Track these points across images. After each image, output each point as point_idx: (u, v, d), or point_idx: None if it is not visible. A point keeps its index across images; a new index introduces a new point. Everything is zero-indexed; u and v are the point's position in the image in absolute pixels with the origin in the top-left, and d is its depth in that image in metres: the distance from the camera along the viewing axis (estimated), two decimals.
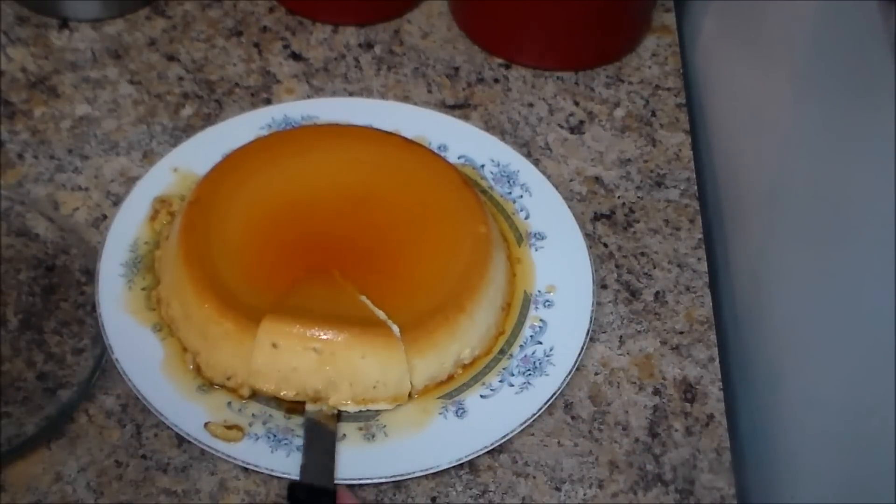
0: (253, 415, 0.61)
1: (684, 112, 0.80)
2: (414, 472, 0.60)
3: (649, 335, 0.68)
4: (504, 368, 0.65)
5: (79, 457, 0.60)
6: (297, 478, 0.58)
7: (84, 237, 0.69)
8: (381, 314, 0.62)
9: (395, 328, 0.62)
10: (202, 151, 0.72)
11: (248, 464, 0.59)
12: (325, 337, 0.60)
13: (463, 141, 0.75)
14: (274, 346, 0.60)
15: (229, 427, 0.60)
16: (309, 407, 0.61)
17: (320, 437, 0.60)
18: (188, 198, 0.68)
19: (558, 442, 0.63)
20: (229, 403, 0.61)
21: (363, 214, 0.68)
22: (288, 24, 0.84)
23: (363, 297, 0.63)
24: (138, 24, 0.82)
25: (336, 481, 0.58)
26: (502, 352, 0.65)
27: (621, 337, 0.68)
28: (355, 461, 0.60)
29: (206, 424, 0.60)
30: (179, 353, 0.63)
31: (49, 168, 0.72)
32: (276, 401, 0.62)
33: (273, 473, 0.59)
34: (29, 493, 0.58)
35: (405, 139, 0.72)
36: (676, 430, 0.64)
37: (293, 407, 0.62)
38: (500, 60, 0.83)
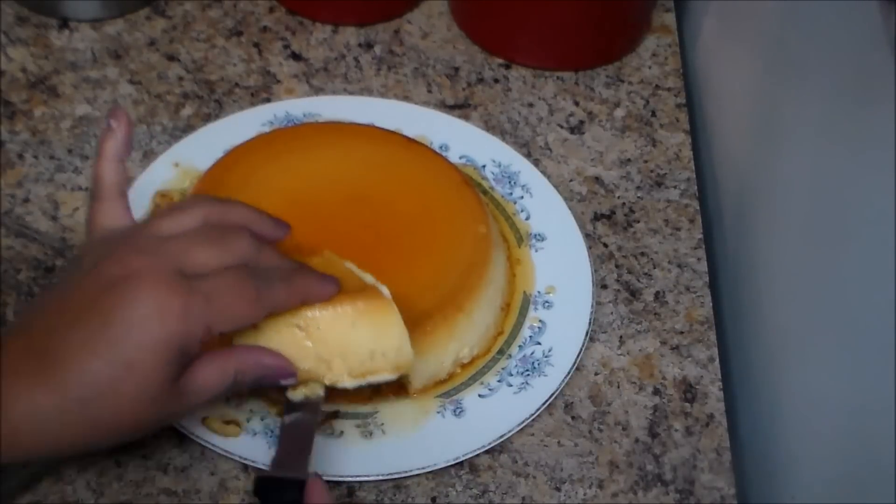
0: (251, 410, 0.61)
1: (684, 112, 0.80)
2: (411, 471, 0.60)
3: (649, 335, 0.68)
4: (503, 368, 0.65)
5: (79, 457, 0.60)
6: (273, 472, 0.54)
7: (84, 237, 0.68)
8: (369, 277, 0.58)
9: (385, 290, 0.57)
10: (204, 147, 0.72)
11: (245, 459, 0.59)
12: (308, 313, 0.56)
13: (464, 141, 0.75)
14: (255, 327, 0.56)
15: (227, 422, 0.60)
16: (290, 394, 0.57)
17: (297, 427, 0.56)
18: (189, 193, 0.68)
19: (558, 442, 0.63)
20: (227, 398, 0.61)
21: (364, 213, 0.68)
22: (288, 24, 0.84)
23: (348, 263, 0.58)
24: (138, 24, 0.82)
25: (310, 473, 0.54)
26: (501, 352, 0.65)
27: (621, 337, 0.68)
28: (353, 459, 0.60)
29: (203, 419, 0.60)
30: None
31: (49, 168, 0.72)
32: (269, 399, 0.61)
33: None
34: (29, 493, 0.58)
35: (407, 138, 0.72)
36: (676, 430, 0.64)
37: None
38: (500, 60, 0.83)
